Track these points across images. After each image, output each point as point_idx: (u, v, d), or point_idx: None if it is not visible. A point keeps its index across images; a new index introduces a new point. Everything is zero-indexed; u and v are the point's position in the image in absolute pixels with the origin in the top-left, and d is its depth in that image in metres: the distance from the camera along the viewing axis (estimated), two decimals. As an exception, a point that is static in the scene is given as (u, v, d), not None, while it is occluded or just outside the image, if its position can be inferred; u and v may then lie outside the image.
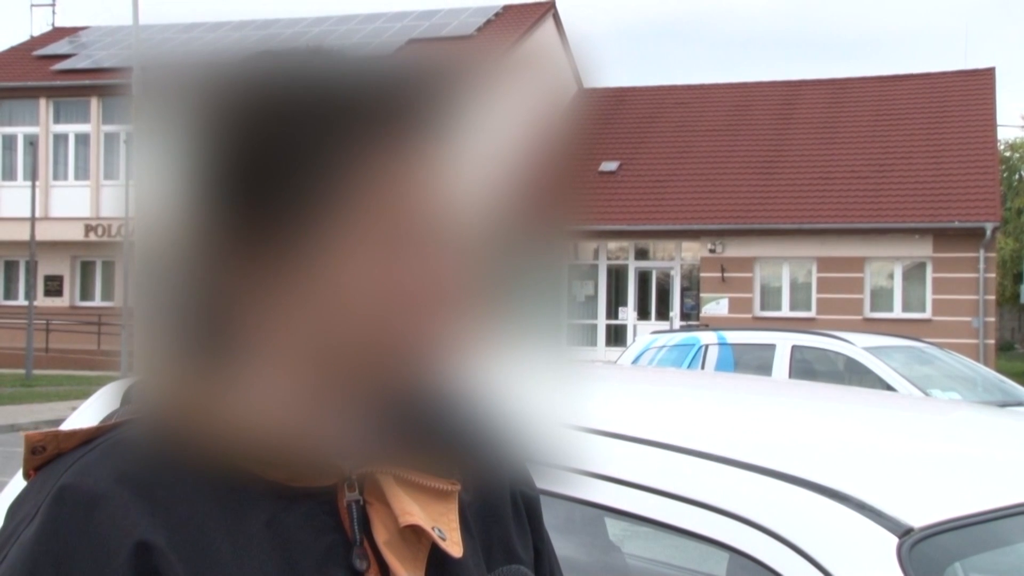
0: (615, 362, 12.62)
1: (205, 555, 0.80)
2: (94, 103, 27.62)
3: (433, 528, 0.87)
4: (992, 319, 23.04)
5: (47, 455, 0.84)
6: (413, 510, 0.87)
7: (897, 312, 23.19)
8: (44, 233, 25.19)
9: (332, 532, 0.85)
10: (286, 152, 0.80)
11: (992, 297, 23.04)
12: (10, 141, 28.48)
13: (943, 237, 22.67)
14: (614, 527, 1.97)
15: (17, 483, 1.92)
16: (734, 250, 24.04)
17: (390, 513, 0.87)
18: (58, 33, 31.76)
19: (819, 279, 23.62)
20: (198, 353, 0.85)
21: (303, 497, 0.85)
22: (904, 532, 1.31)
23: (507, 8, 29.15)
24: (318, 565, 0.83)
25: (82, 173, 27.90)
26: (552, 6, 29.49)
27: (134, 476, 0.80)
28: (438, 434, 0.93)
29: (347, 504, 0.86)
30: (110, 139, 27.35)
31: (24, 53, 30.29)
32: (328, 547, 0.84)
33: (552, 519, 1.11)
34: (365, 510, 0.87)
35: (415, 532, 0.87)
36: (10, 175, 28.41)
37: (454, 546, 0.88)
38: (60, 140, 28.22)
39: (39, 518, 0.78)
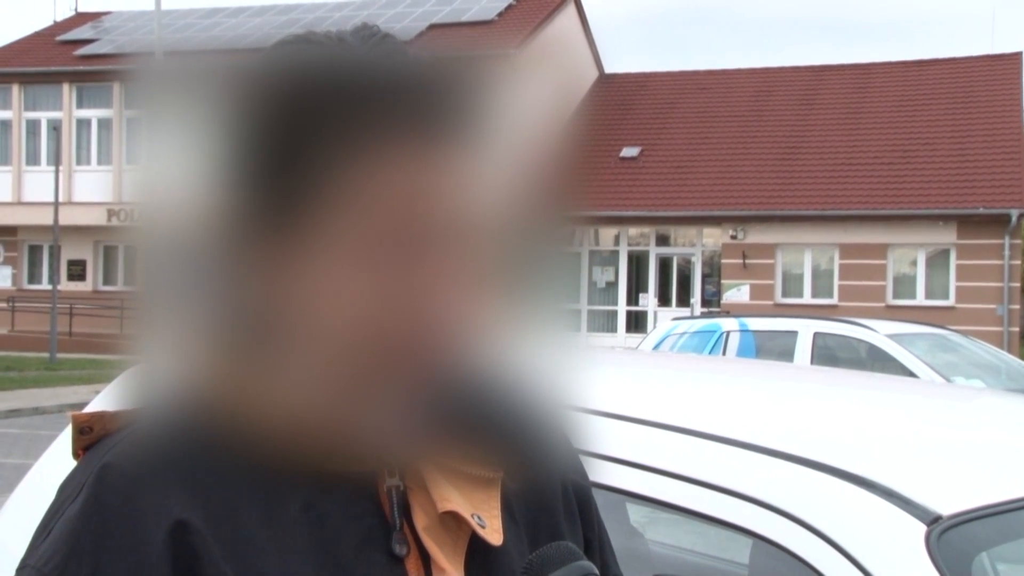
0: (636, 348, 12.59)
1: (241, 536, 0.81)
2: (116, 88, 27.75)
3: (472, 515, 0.87)
4: (1017, 307, 22.84)
5: (94, 436, 0.86)
6: (452, 496, 0.87)
7: (920, 299, 23.02)
8: (67, 218, 25.36)
9: (371, 517, 0.85)
10: (311, 139, 0.81)
11: (1017, 284, 22.84)
12: (33, 126, 28.67)
13: (967, 223, 22.47)
14: (636, 513, 1.96)
15: (44, 463, 1.92)
16: (756, 236, 23.92)
17: (430, 499, 0.87)
18: (81, 18, 31.91)
19: (841, 266, 23.48)
20: (235, 338, 0.86)
21: (343, 482, 0.85)
22: (932, 520, 1.29)
23: (528, -8, 29.05)
24: (357, 549, 0.84)
25: (105, 158, 28.06)
26: (573, -10, 29.36)
27: (174, 458, 0.82)
28: (480, 422, 0.93)
29: (387, 489, 0.86)
30: (132, 124, 27.47)
31: (47, 38, 30.46)
32: (367, 531, 0.85)
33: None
34: (405, 495, 0.87)
35: (455, 519, 0.87)
36: (33, 160, 28.61)
37: (494, 534, 0.88)
38: (83, 125, 28.38)
39: (82, 496, 0.81)
